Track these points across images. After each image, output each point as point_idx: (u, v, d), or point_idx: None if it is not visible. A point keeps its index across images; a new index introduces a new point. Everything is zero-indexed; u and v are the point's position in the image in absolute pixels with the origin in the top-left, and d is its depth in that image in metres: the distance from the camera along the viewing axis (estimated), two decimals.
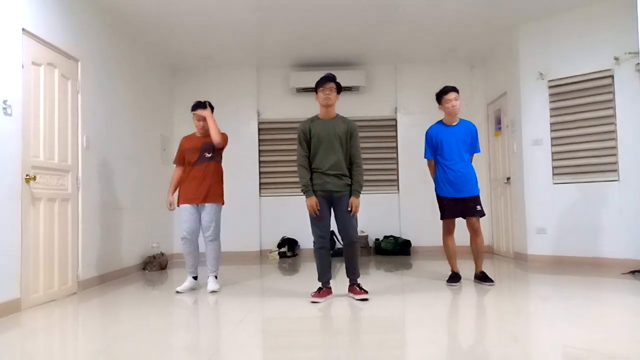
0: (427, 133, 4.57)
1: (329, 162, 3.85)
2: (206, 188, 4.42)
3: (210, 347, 2.80)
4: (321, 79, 3.96)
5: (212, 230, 4.43)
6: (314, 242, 3.93)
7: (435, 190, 4.55)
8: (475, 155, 4.56)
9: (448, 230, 4.51)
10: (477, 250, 4.50)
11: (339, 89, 3.99)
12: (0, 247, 3.57)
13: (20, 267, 3.77)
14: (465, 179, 4.39)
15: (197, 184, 4.42)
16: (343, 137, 3.89)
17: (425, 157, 4.61)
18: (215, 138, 4.43)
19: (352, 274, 3.96)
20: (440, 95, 4.49)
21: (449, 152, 4.42)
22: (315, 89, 4.00)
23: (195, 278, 4.54)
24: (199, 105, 4.56)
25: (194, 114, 4.57)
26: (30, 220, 3.93)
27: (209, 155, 4.49)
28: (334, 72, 7.23)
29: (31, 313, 3.72)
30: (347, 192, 3.87)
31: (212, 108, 4.61)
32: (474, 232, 4.46)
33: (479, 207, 4.41)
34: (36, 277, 3.97)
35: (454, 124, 4.50)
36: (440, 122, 4.58)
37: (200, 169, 4.45)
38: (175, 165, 4.71)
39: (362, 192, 3.94)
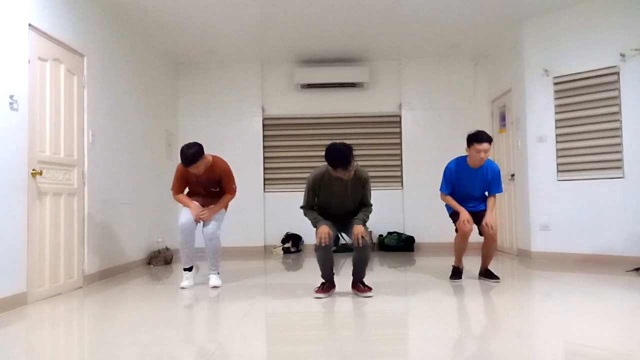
0: (447, 168, 4.43)
1: (339, 215, 3.90)
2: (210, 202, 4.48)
3: (214, 341, 2.83)
4: (338, 162, 3.57)
5: (213, 230, 4.36)
6: (315, 249, 3.83)
7: (449, 211, 4.51)
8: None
9: (463, 234, 4.32)
10: (488, 253, 4.45)
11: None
12: (7, 241, 3.60)
13: (26, 261, 3.80)
14: (477, 210, 4.42)
15: (201, 204, 4.44)
16: (355, 189, 3.84)
17: (440, 190, 4.48)
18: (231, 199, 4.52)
19: (358, 276, 3.96)
20: (471, 140, 4.25)
21: (465, 191, 4.41)
22: (330, 166, 3.65)
23: (191, 269, 4.52)
24: (190, 161, 4.12)
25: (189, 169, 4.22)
26: (37, 214, 3.96)
27: (216, 189, 4.49)
28: (337, 68, 7.37)
29: (37, 306, 3.75)
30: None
31: (202, 153, 4.19)
32: (491, 239, 4.34)
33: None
34: (42, 271, 4.01)
35: (477, 166, 4.34)
36: (464, 160, 4.39)
37: (207, 200, 4.47)
38: (173, 192, 4.47)
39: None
